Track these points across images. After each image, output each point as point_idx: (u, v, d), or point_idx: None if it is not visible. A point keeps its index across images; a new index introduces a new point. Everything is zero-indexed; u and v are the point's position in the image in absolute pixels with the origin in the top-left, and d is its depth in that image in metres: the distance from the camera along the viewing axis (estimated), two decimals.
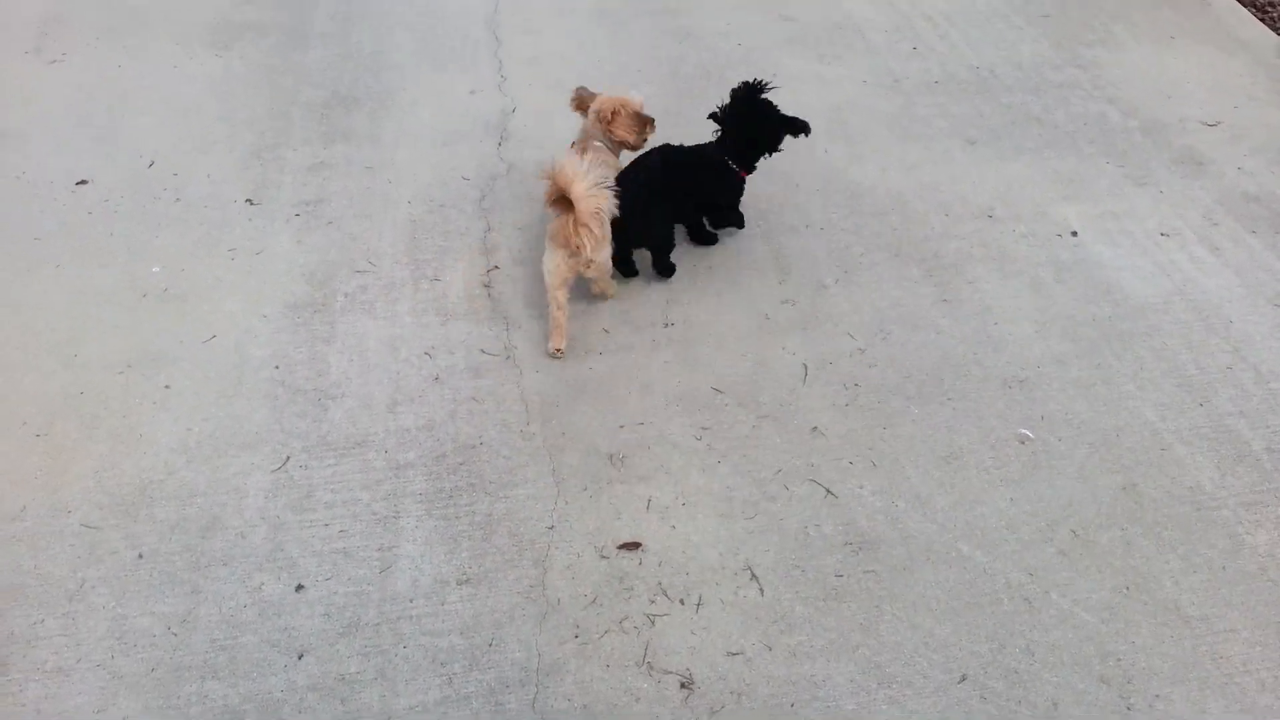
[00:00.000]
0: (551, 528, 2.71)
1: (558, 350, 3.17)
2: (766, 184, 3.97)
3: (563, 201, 3.01)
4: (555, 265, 3.13)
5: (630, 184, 3.23)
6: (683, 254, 3.62)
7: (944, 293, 3.51)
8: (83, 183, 3.83)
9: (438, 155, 4.09)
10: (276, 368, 3.15)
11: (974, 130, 4.35)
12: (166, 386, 3.06)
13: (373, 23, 4.86)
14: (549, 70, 4.60)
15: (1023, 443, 2.96)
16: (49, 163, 3.91)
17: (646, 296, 3.46)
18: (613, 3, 5.15)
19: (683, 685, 2.37)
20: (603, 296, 3.42)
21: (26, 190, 3.78)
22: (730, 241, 3.71)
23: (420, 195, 3.87)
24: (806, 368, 3.21)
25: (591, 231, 3.03)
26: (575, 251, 3.08)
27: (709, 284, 3.53)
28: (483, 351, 3.24)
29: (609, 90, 3.62)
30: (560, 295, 3.16)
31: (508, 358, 3.22)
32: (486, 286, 3.49)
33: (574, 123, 3.81)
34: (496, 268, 3.57)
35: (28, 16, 4.79)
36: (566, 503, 2.77)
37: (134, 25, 4.76)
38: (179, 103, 4.30)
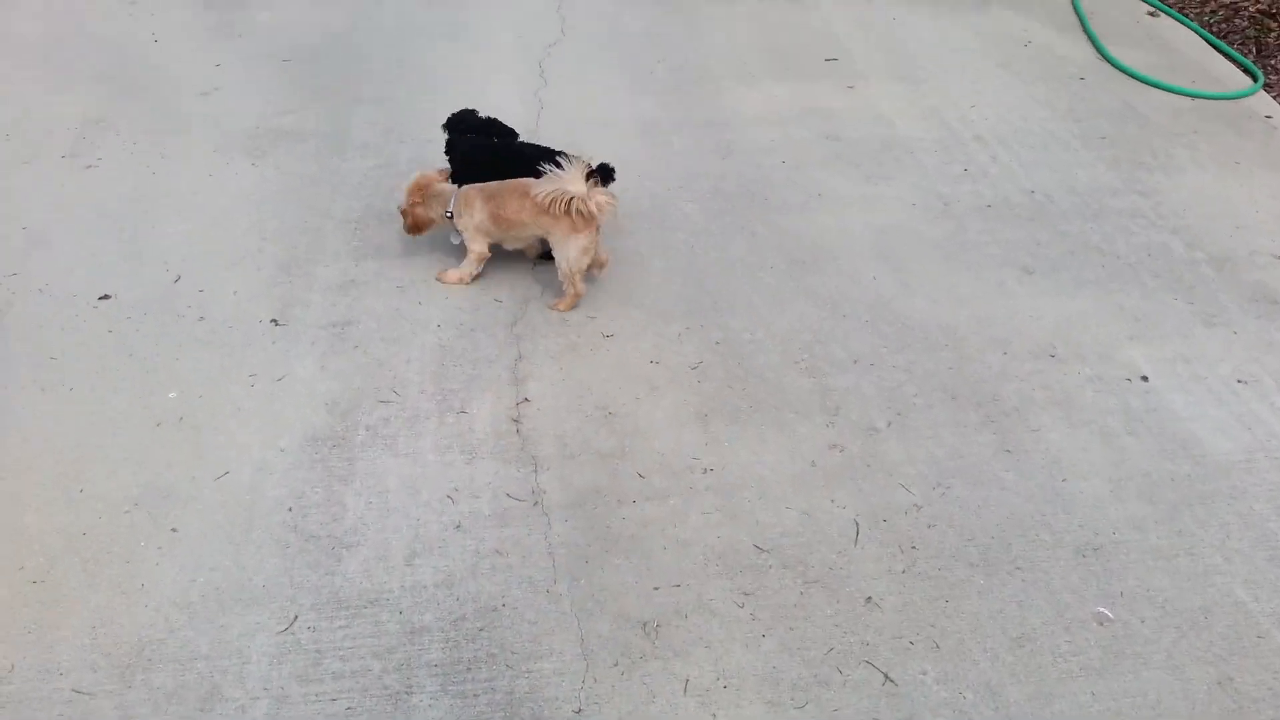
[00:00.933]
0: (579, 711, 2.45)
1: (562, 308, 3.74)
2: (811, 310, 3.78)
3: (568, 205, 3.50)
4: (586, 245, 3.60)
5: None
6: (723, 387, 3.42)
7: (1006, 441, 3.27)
8: (106, 297, 3.72)
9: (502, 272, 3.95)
10: (290, 510, 2.95)
11: (1030, 259, 4.16)
12: (174, 530, 2.87)
13: (413, 133, 4.79)
14: None
15: (1102, 624, 2.68)
16: (74, 275, 3.81)
17: (683, 437, 3.25)
18: (655, 114, 5.07)
19: None
20: (600, 266, 3.81)
21: (49, 304, 3.67)
22: (773, 375, 3.50)
23: (450, 319, 3.72)
24: (858, 525, 2.96)
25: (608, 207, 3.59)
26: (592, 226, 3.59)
27: (750, 423, 3.32)
28: (509, 495, 3.03)
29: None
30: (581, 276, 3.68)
31: (535, 503, 3.01)
32: (515, 421, 3.30)
33: (611, 244, 3.66)
34: (527, 400, 3.39)
35: (69, 118, 4.78)
36: (595, 680, 2.52)
37: (174, 129, 4.73)
38: (210, 212, 4.22)
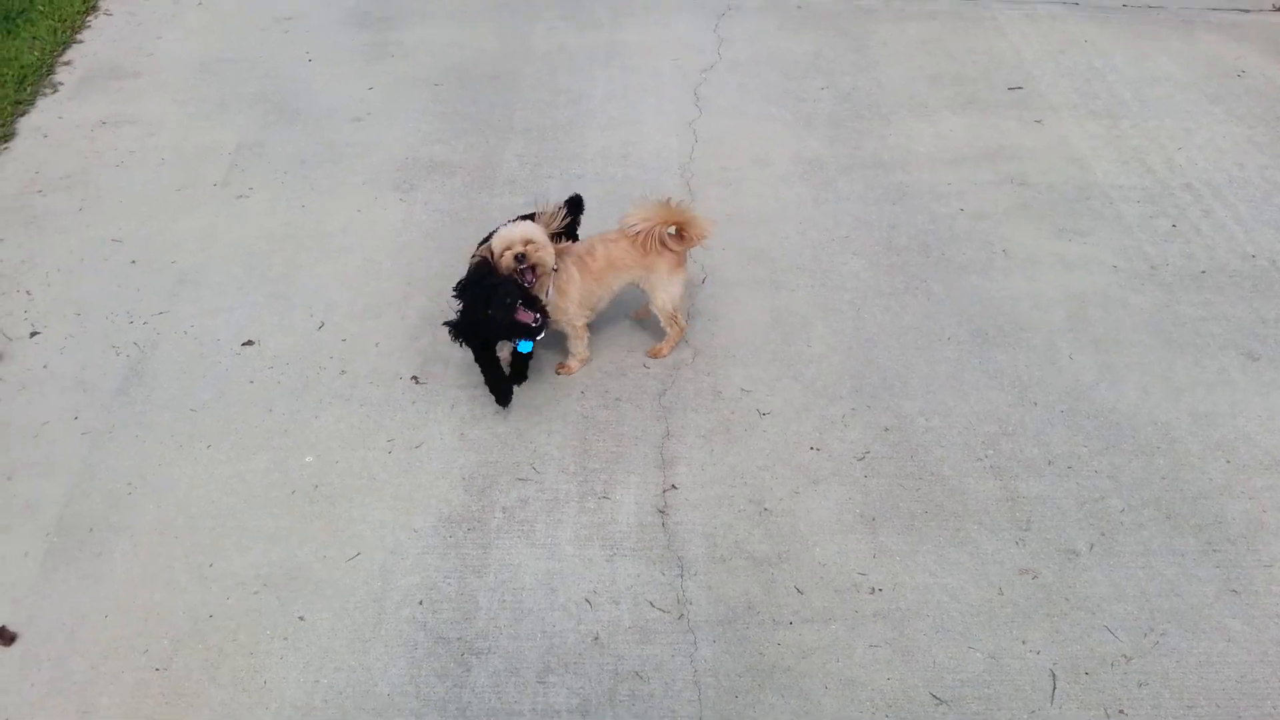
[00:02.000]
0: None
1: (665, 353, 3.54)
2: (997, 394, 3.36)
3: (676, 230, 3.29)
4: (684, 283, 3.42)
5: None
6: (894, 485, 3.05)
7: (1231, 579, 2.79)
8: (249, 344, 3.64)
9: (617, 332, 3.69)
10: (420, 603, 2.76)
11: (1254, 342, 3.60)
12: (301, 618, 2.72)
13: (562, 169, 4.56)
14: (745, 233, 4.15)
15: None
16: (219, 318, 3.74)
17: (848, 545, 2.90)
18: (820, 151, 4.68)
19: None
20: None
21: (193, 349, 3.61)
22: (952, 474, 3.11)
23: (595, 385, 3.47)
24: (1055, 677, 2.55)
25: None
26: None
27: (925, 533, 2.94)
28: (652, 604, 2.76)
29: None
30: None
31: (680, 616, 2.73)
32: (661, 512, 3.02)
33: (769, 304, 3.34)
34: (674, 487, 3.10)
35: (224, 144, 4.75)
36: None
37: (326, 159, 4.64)
38: (358, 252, 4.09)
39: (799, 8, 5.86)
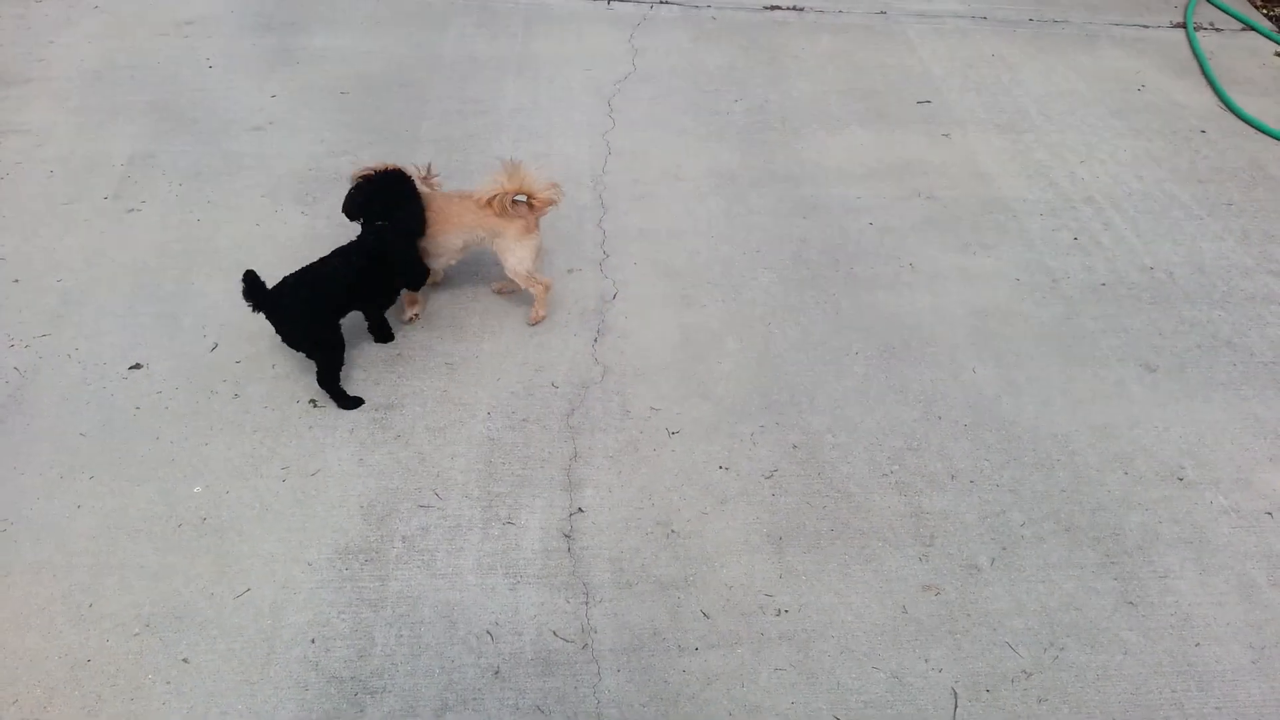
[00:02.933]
0: None
1: (542, 313, 3.66)
2: (902, 409, 3.38)
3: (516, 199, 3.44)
4: (536, 248, 3.55)
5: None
6: (801, 504, 3.04)
7: (1129, 591, 2.84)
8: (136, 367, 3.47)
9: (525, 349, 3.61)
10: (313, 641, 2.65)
11: (1152, 354, 3.69)
12: (185, 660, 2.59)
13: (470, 180, 4.46)
14: (657, 248, 4.12)
15: None
16: (106, 339, 3.56)
17: (755, 566, 2.88)
18: (731, 164, 4.67)
19: None
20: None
21: (76, 374, 3.43)
22: (858, 491, 3.11)
23: (501, 405, 3.39)
24: (956, 695, 2.56)
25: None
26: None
27: (831, 551, 2.93)
28: (555, 634, 2.69)
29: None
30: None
31: (584, 646, 2.67)
32: (567, 537, 2.96)
33: (680, 320, 3.30)
34: (580, 510, 3.05)
35: (116, 154, 4.55)
36: None
37: (224, 169, 4.47)
38: (255, 268, 3.93)
39: (714, 19, 5.86)
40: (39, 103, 4.86)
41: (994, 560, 2.92)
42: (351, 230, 3.64)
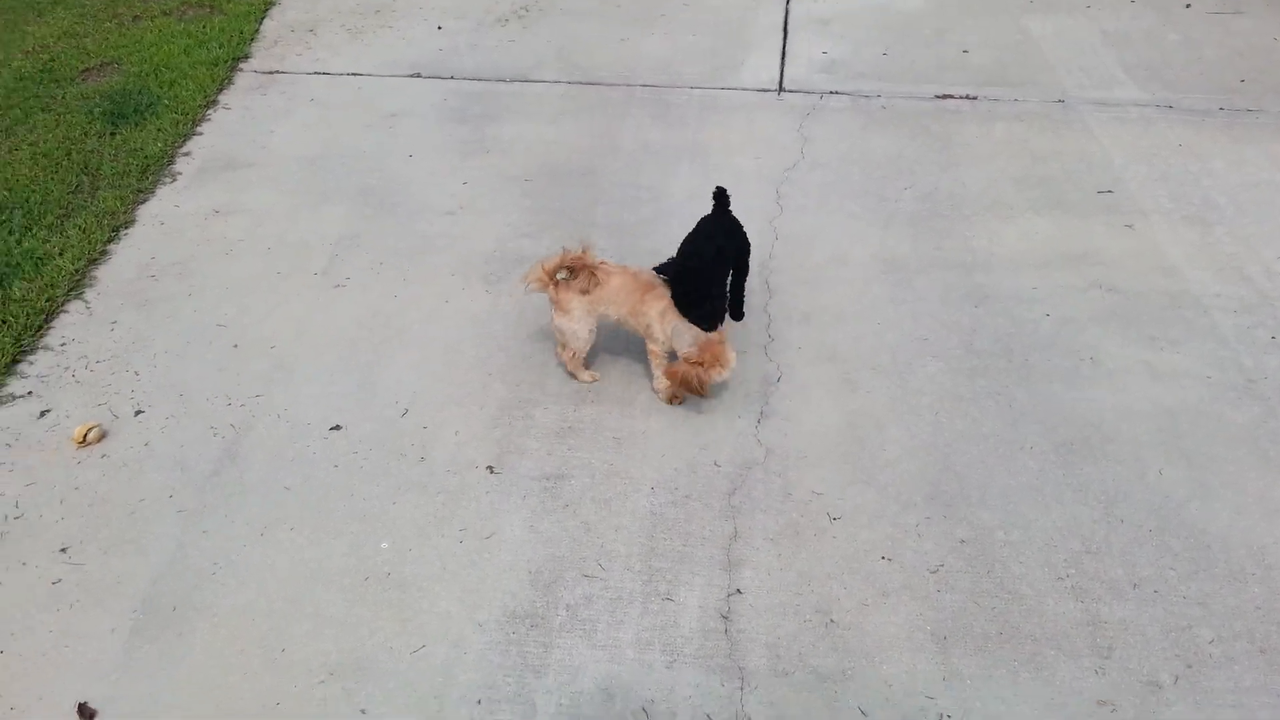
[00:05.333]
0: None
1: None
2: (1081, 509, 3.25)
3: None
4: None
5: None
6: (968, 602, 2.96)
7: None
8: (336, 428, 3.78)
9: (689, 429, 3.71)
10: (479, 703, 2.78)
11: None
12: (363, 711, 2.77)
13: (644, 261, 4.65)
14: (821, 333, 4.16)
15: None
16: (311, 403, 3.90)
17: (917, 665, 2.82)
18: (900, 250, 4.68)
19: None
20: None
21: (284, 432, 3.76)
22: (1030, 594, 3.00)
23: (665, 481, 3.48)
24: None
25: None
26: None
27: (999, 656, 2.83)
28: (709, 718, 2.71)
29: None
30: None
31: None
32: (725, 618, 2.99)
33: (844, 405, 3.31)
34: (739, 591, 3.08)
35: (327, 235, 4.99)
36: None
37: (419, 249, 4.84)
38: (443, 341, 4.23)
39: (883, 108, 5.93)
40: (259, 186, 5.41)
41: (1178, 679, 2.75)
42: (529, 308, 3.85)
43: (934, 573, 3.10)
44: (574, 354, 3.86)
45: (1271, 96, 5.94)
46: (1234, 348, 3.99)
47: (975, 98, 6.00)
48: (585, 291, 3.74)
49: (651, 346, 3.80)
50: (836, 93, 6.10)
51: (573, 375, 3.95)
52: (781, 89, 6.16)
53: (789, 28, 6.78)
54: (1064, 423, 3.65)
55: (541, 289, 3.82)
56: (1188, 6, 6.91)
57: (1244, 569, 3.06)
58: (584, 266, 3.72)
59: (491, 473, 3.56)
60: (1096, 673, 2.77)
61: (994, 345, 4.07)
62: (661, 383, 3.79)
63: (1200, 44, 6.54)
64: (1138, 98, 5.93)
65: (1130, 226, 4.79)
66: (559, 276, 3.77)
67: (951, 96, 6.03)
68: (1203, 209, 4.88)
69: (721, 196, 3.81)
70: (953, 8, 6.99)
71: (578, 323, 3.78)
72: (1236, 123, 5.65)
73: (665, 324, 3.71)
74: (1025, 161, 5.35)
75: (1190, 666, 2.78)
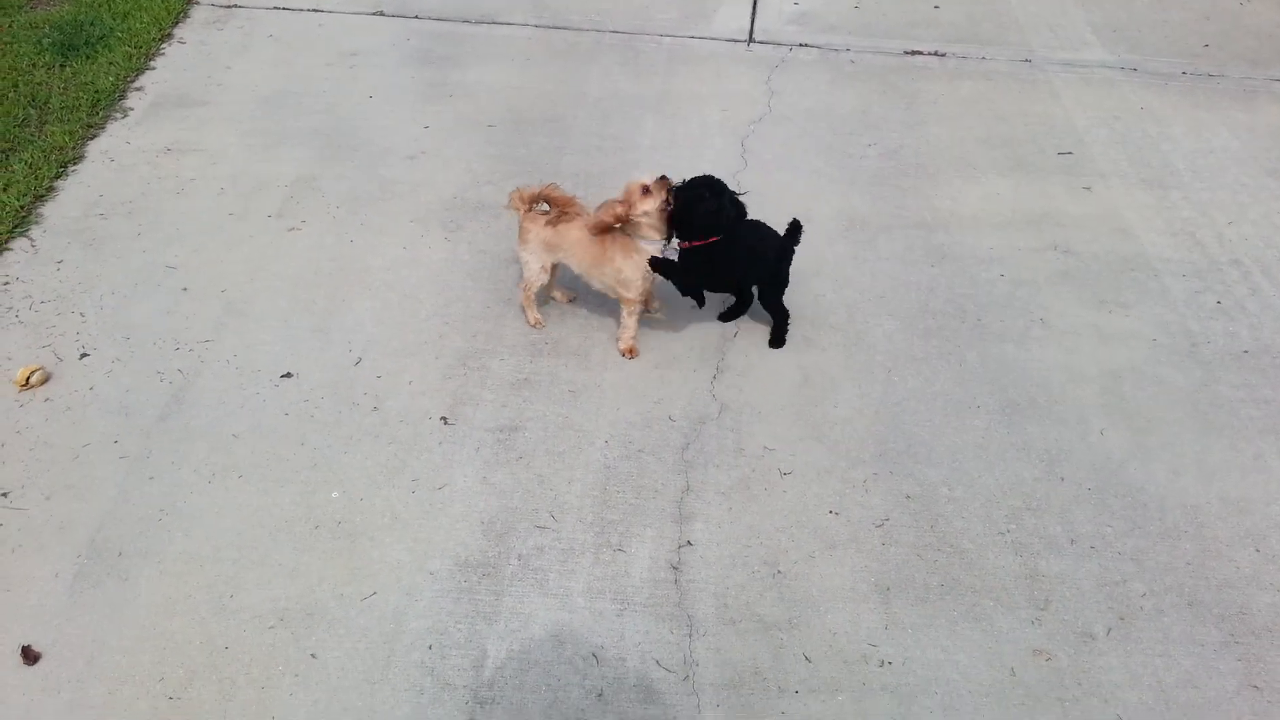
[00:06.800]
0: None
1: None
2: (1024, 467, 3.32)
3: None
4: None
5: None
6: (911, 555, 3.03)
7: (1253, 673, 2.72)
8: (288, 376, 3.74)
9: (646, 382, 3.72)
10: (430, 647, 2.80)
11: None
12: (313, 655, 2.78)
13: None
14: None
15: None
16: (262, 349, 3.85)
17: (860, 614, 2.88)
18: (861, 208, 4.69)
19: None
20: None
21: (233, 378, 3.72)
22: (972, 547, 3.07)
23: (619, 435, 3.50)
24: None
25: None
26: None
27: (940, 606, 2.91)
28: (658, 663, 2.76)
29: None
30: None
31: (686, 678, 2.73)
32: (675, 569, 3.03)
33: (799, 362, 3.33)
34: (689, 543, 3.12)
35: (283, 176, 4.90)
36: None
37: (377, 196, 4.76)
38: (400, 289, 4.19)
39: (852, 63, 5.90)
40: (214, 124, 5.28)
41: (1110, 630, 2.84)
42: (488, 258, 3.82)
43: (879, 527, 3.16)
44: (525, 286, 3.87)
45: (1234, 62, 5.99)
46: (1181, 312, 4.06)
47: (944, 55, 5.98)
48: (552, 224, 3.73)
49: (625, 296, 3.73)
50: (806, 45, 6.05)
51: (523, 310, 3.97)
52: (751, 40, 6.10)
53: None
54: (1013, 383, 3.70)
55: (514, 211, 3.87)
56: None
57: (1177, 527, 3.15)
58: (560, 200, 3.71)
59: (445, 423, 3.55)
60: (1033, 623, 2.86)
61: (949, 305, 4.11)
62: (626, 336, 3.78)
63: (1168, 5, 6.57)
64: (1104, 59, 5.94)
65: (1089, 189, 4.83)
66: (538, 208, 3.78)
67: (920, 53, 6.01)
68: (1161, 173, 4.93)
69: (796, 230, 3.69)
70: None
71: (530, 254, 3.81)
72: (1198, 87, 5.69)
73: (633, 263, 3.64)
74: (990, 121, 5.36)
75: (1123, 619, 2.87)
